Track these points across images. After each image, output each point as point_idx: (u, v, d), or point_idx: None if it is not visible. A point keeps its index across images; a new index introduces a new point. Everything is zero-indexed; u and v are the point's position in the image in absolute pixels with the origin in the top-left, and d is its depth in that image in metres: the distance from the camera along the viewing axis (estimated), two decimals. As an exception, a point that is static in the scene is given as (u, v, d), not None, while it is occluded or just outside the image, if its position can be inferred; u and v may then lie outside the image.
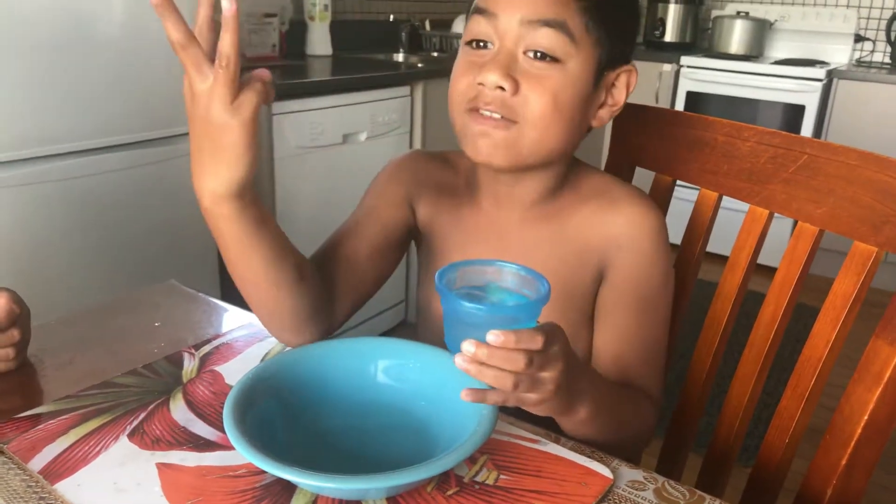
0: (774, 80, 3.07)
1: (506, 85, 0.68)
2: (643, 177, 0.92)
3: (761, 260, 0.88)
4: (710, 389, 0.91)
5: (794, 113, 3.06)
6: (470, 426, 0.59)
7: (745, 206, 0.85)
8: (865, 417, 0.70)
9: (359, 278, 0.80)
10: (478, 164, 0.75)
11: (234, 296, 0.97)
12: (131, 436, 0.64)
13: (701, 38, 3.66)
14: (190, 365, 0.77)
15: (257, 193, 0.66)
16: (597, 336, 0.79)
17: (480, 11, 0.71)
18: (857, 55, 3.43)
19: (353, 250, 0.80)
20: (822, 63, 3.21)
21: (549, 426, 0.68)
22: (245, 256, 0.68)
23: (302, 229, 2.14)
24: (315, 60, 2.57)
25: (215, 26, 0.61)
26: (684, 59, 3.25)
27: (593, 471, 0.62)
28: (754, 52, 3.36)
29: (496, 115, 0.70)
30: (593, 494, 0.59)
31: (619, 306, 0.77)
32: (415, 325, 0.93)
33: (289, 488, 0.58)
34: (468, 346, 0.53)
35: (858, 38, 3.39)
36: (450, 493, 0.59)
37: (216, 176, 0.62)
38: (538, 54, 0.69)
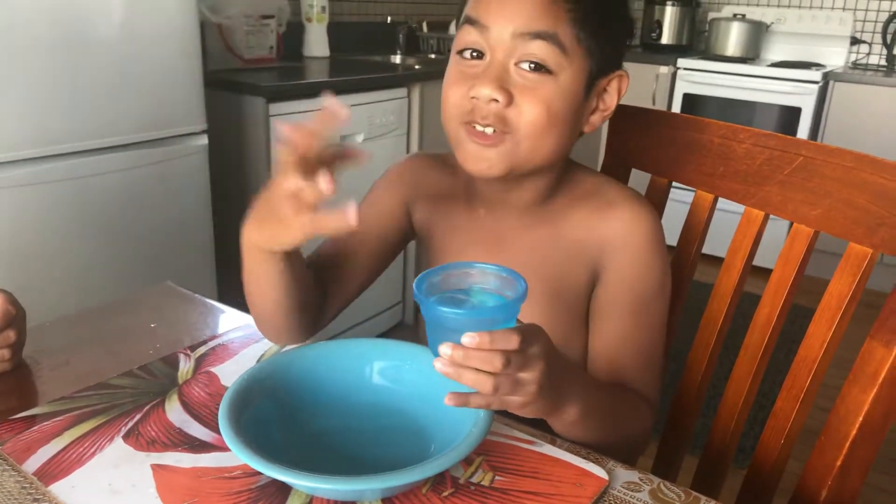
0: (771, 82, 3.08)
1: (499, 97, 0.68)
2: (639, 178, 0.93)
3: (757, 261, 0.88)
4: (706, 391, 0.91)
5: (790, 115, 3.06)
6: (465, 427, 0.59)
7: (740, 208, 0.85)
8: (860, 418, 0.70)
9: (350, 281, 0.82)
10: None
11: (230, 297, 0.97)
12: (126, 437, 0.64)
13: (697, 41, 3.67)
14: (186, 366, 0.76)
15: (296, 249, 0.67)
16: (592, 338, 0.79)
17: (471, 22, 0.71)
18: (853, 57, 3.44)
19: (347, 254, 0.82)
20: (819, 65, 3.22)
21: (544, 428, 0.68)
22: (262, 289, 0.73)
23: (299, 231, 2.13)
24: (312, 62, 2.57)
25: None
26: (681, 62, 3.25)
27: (589, 472, 0.62)
28: (751, 55, 3.37)
29: (490, 130, 0.70)
30: (589, 496, 0.59)
31: (613, 308, 0.77)
32: (412, 326, 0.94)
33: (284, 489, 0.58)
34: (445, 349, 0.53)
35: (854, 41, 3.40)
36: (445, 494, 0.59)
37: (260, 232, 0.66)
38: (531, 65, 0.69)
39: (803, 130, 3.04)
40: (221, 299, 0.94)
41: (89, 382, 0.73)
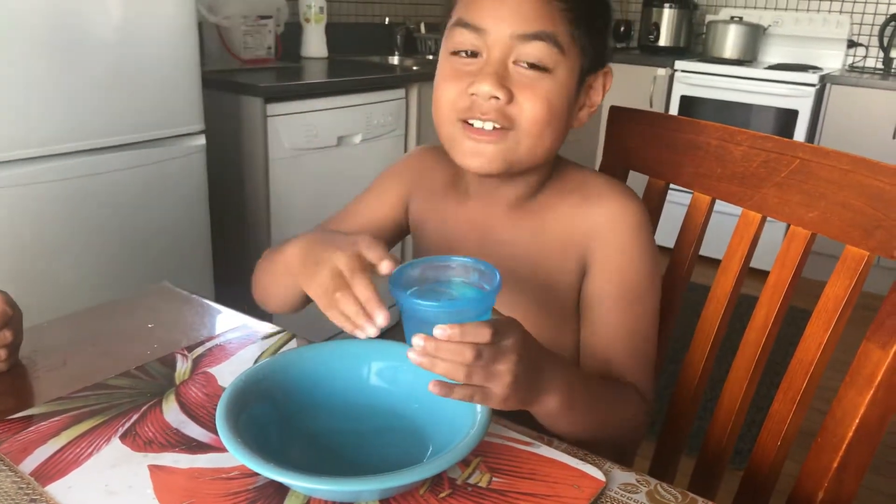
0: (768, 84, 3.08)
1: (500, 94, 0.69)
2: (637, 180, 0.93)
3: (754, 263, 0.89)
4: (703, 392, 0.91)
5: (787, 117, 3.07)
6: (463, 429, 0.59)
7: (737, 210, 0.85)
8: (857, 420, 0.71)
9: None
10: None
11: (227, 297, 0.97)
12: (123, 438, 0.64)
13: (695, 43, 3.68)
14: (183, 367, 0.76)
15: None
16: (582, 331, 0.79)
17: (466, 25, 0.70)
18: (849, 60, 3.45)
19: None
20: (816, 68, 3.23)
21: (541, 429, 0.69)
22: (275, 287, 0.77)
23: (296, 231, 2.12)
24: (310, 63, 2.57)
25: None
26: (678, 64, 3.26)
27: (586, 473, 0.62)
28: (748, 57, 3.38)
29: (489, 126, 0.70)
30: (586, 497, 0.59)
31: (602, 299, 0.77)
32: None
33: (281, 490, 0.58)
34: (417, 341, 0.55)
35: (851, 44, 3.41)
36: (443, 495, 0.59)
37: (298, 261, 0.68)
38: (529, 64, 0.69)
39: (800, 133, 3.04)
40: (219, 300, 0.94)
41: (86, 383, 0.72)
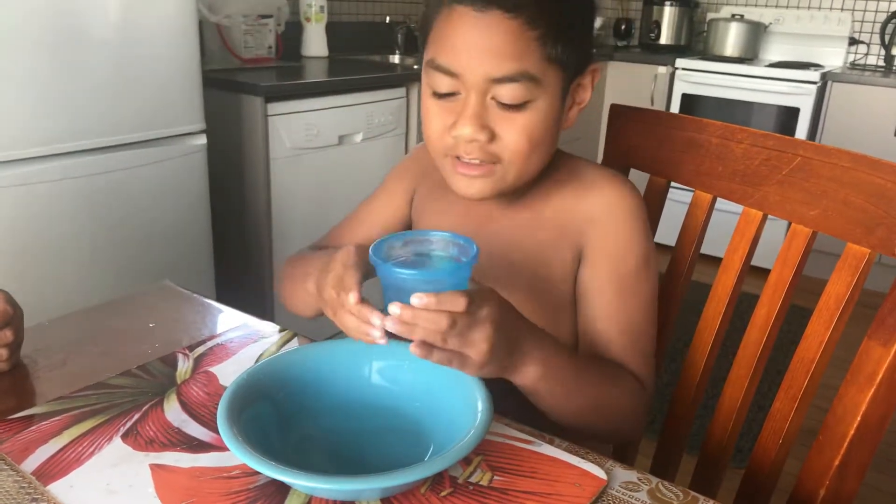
0: (769, 82, 3.08)
1: (481, 137, 0.70)
2: (638, 178, 0.92)
3: (755, 262, 0.88)
4: (704, 391, 0.91)
5: (788, 115, 3.06)
6: (464, 427, 0.59)
7: (738, 208, 0.85)
8: (858, 418, 0.71)
9: None
10: None
11: (228, 297, 0.97)
12: (125, 437, 0.64)
13: (696, 41, 3.67)
14: (184, 366, 0.76)
15: None
16: (578, 319, 0.79)
17: (439, 68, 0.70)
18: (851, 58, 3.44)
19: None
20: (817, 66, 3.22)
21: (543, 427, 0.69)
22: (298, 293, 0.80)
23: (297, 230, 2.13)
24: (311, 62, 2.57)
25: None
26: (679, 62, 3.26)
27: (587, 472, 0.62)
28: (749, 55, 3.37)
29: (476, 161, 0.72)
30: (587, 495, 0.59)
31: (597, 285, 0.78)
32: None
33: (283, 489, 0.58)
34: (394, 308, 0.57)
35: (852, 41, 3.40)
36: (444, 493, 0.59)
37: (315, 273, 0.70)
38: (506, 104, 0.69)
39: (801, 131, 3.04)
40: (220, 299, 0.94)
41: (87, 382, 0.73)
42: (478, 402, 0.62)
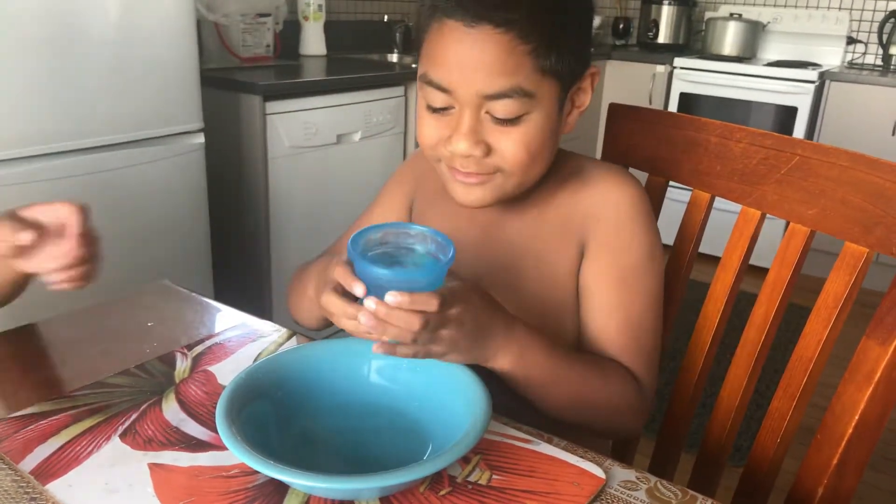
0: (767, 81, 3.08)
1: (476, 152, 0.69)
2: (636, 177, 0.93)
3: (753, 260, 0.89)
4: (703, 390, 0.91)
5: (786, 114, 3.07)
6: (463, 426, 0.59)
7: (737, 207, 0.85)
8: (856, 417, 0.71)
9: None
10: None
11: (226, 296, 0.97)
12: (123, 436, 0.64)
13: (694, 40, 3.67)
14: (182, 365, 0.76)
15: None
16: (580, 314, 0.79)
17: (432, 83, 0.69)
18: (848, 57, 3.44)
19: None
20: (815, 65, 3.23)
21: (541, 426, 0.69)
22: (304, 303, 0.80)
23: (296, 229, 2.13)
24: (309, 60, 2.57)
25: None
26: (677, 61, 3.26)
27: (586, 471, 0.62)
28: (747, 54, 3.37)
29: (473, 172, 0.72)
30: (586, 494, 0.59)
31: (598, 280, 0.77)
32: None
33: (281, 489, 0.58)
34: (370, 303, 0.58)
35: (850, 41, 3.40)
36: (443, 493, 0.59)
37: (314, 284, 0.72)
38: (500, 118, 0.69)
39: (799, 130, 3.04)
40: (218, 298, 0.94)
41: (86, 381, 0.72)
42: (476, 401, 0.62)
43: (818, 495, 0.74)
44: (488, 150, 0.70)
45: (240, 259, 2.14)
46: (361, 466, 0.63)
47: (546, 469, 0.62)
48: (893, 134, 2.90)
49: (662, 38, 3.55)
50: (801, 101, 3.02)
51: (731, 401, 0.86)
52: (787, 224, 0.82)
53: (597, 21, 3.58)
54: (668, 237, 0.85)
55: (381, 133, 2.36)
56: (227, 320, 0.87)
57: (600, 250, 0.77)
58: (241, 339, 0.82)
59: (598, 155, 1.01)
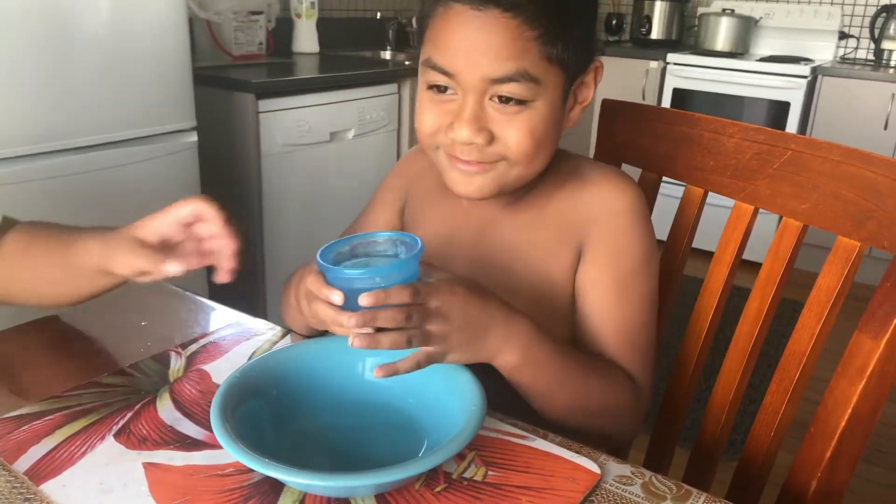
0: (760, 76, 3.09)
1: (479, 139, 0.68)
2: (630, 173, 0.93)
3: (746, 255, 0.89)
4: (697, 384, 0.91)
5: (779, 109, 3.08)
6: (458, 423, 0.59)
7: (730, 202, 0.86)
8: (849, 410, 0.71)
9: None
10: None
11: (221, 295, 0.97)
12: (117, 436, 0.64)
13: (687, 36, 3.68)
14: (177, 364, 0.76)
15: None
16: (577, 317, 0.78)
17: (435, 67, 0.69)
18: (841, 52, 3.46)
19: None
20: (807, 60, 3.24)
21: (537, 422, 0.69)
22: (294, 312, 0.75)
23: (289, 227, 2.13)
24: (302, 58, 2.56)
25: None
26: (670, 57, 3.26)
27: (581, 466, 0.62)
28: (740, 50, 3.38)
29: (474, 160, 0.70)
30: (581, 490, 0.59)
31: (595, 283, 0.77)
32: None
33: (276, 487, 0.58)
34: (350, 321, 0.58)
35: (842, 35, 3.41)
36: (438, 489, 0.59)
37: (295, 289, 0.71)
38: (506, 99, 0.68)
39: (792, 125, 3.05)
40: (212, 297, 0.94)
41: (80, 381, 0.72)
42: (471, 398, 0.62)
43: (812, 489, 0.74)
44: (491, 139, 0.69)
45: (234, 257, 2.13)
46: (356, 464, 0.63)
47: (541, 465, 0.62)
48: (885, 128, 2.91)
49: (655, 34, 3.55)
50: (794, 96, 3.03)
51: (725, 395, 0.87)
52: (780, 219, 0.82)
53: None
54: (662, 232, 0.85)
55: (375, 130, 2.35)
56: (222, 319, 0.87)
57: (598, 254, 0.76)
58: (236, 337, 0.82)
59: (592, 150, 1.01)
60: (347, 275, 0.60)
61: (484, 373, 0.66)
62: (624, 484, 0.61)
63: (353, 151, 2.28)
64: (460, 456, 0.62)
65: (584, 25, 0.71)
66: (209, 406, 0.60)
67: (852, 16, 3.42)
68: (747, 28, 3.41)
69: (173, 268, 0.66)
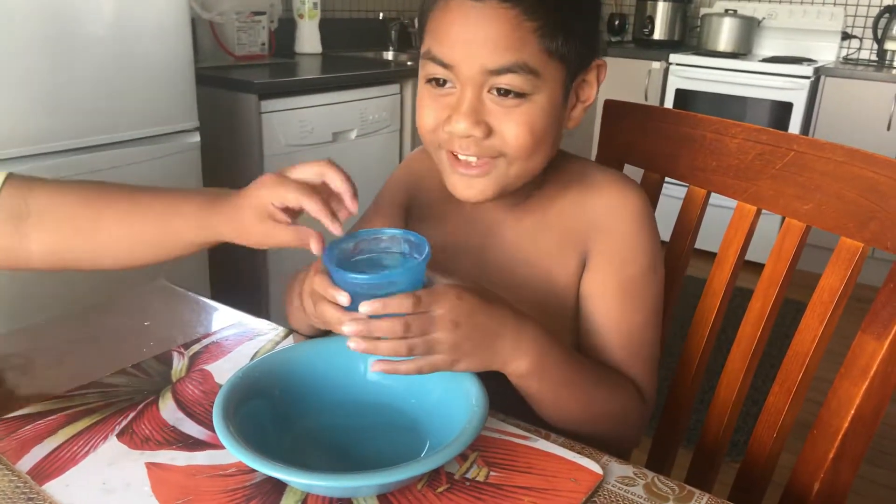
0: (762, 77, 3.08)
1: (477, 132, 0.67)
2: (632, 174, 0.92)
3: (749, 256, 0.89)
4: (699, 385, 0.91)
5: (781, 110, 3.07)
6: (460, 423, 0.59)
7: (732, 203, 0.86)
8: (852, 411, 0.71)
9: None
10: None
11: (223, 295, 0.97)
12: (120, 435, 0.64)
13: (689, 36, 3.67)
14: (179, 364, 0.76)
15: None
16: (581, 325, 0.78)
17: (435, 59, 0.68)
18: (843, 52, 3.45)
19: None
20: (810, 60, 3.23)
21: (539, 423, 0.69)
22: (297, 311, 0.75)
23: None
24: (304, 58, 2.56)
25: None
26: (673, 57, 3.26)
27: (583, 467, 0.62)
28: (742, 50, 3.37)
29: (474, 160, 0.70)
30: (583, 490, 0.59)
31: (599, 291, 0.76)
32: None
33: (279, 487, 0.58)
34: (348, 328, 0.58)
35: (845, 36, 3.41)
36: (440, 490, 0.59)
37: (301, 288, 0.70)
38: (504, 92, 0.67)
39: (795, 125, 3.05)
40: (215, 297, 0.94)
41: (83, 381, 0.72)
42: (473, 398, 0.62)
43: (815, 490, 0.74)
44: (489, 132, 0.68)
45: (236, 258, 2.14)
46: (359, 464, 0.63)
47: (543, 465, 0.62)
48: (888, 129, 2.91)
49: (658, 35, 3.55)
50: (797, 96, 3.03)
51: (728, 396, 0.86)
52: (783, 219, 0.82)
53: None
54: (664, 233, 0.85)
55: (377, 131, 2.35)
56: (224, 319, 0.87)
57: (602, 261, 0.76)
58: (238, 337, 0.82)
59: (594, 151, 1.01)
60: (353, 279, 0.59)
61: (485, 373, 0.66)
62: (626, 485, 0.61)
63: (356, 152, 2.28)
64: (462, 456, 0.62)
65: (585, 21, 0.71)
66: (212, 406, 0.61)
67: (855, 16, 3.41)
68: (750, 28, 3.41)
69: (315, 245, 0.65)
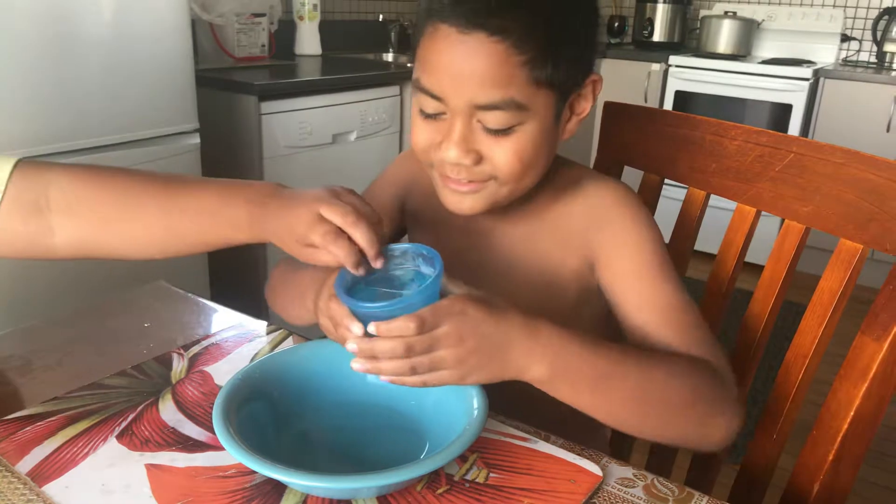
0: (762, 79, 3.09)
1: (467, 161, 0.67)
2: (632, 176, 0.93)
3: (749, 258, 0.89)
4: (699, 387, 0.91)
5: (781, 112, 3.07)
6: (460, 425, 0.59)
7: (732, 205, 0.86)
8: (852, 413, 0.71)
9: None
10: None
11: (223, 296, 0.97)
12: (120, 437, 0.64)
13: (689, 38, 3.68)
14: (179, 365, 0.76)
15: None
16: (619, 320, 0.75)
17: (424, 90, 0.68)
18: (843, 54, 3.45)
19: None
20: (809, 62, 3.23)
21: (538, 424, 0.69)
22: (290, 302, 0.76)
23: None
24: (304, 60, 2.57)
25: None
26: (672, 59, 3.26)
27: (583, 468, 0.62)
28: (742, 52, 3.38)
29: (465, 180, 0.70)
30: (583, 492, 0.59)
31: (626, 278, 0.74)
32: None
33: (279, 488, 0.58)
34: (351, 346, 0.58)
35: (845, 38, 3.41)
36: (440, 491, 0.59)
37: (309, 291, 0.70)
38: (492, 128, 0.67)
39: (794, 127, 3.05)
40: (214, 298, 0.94)
41: (83, 382, 0.72)
42: (473, 400, 0.62)
43: (814, 491, 0.74)
44: (479, 159, 0.68)
45: (236, 259, 2.14)
46: (359, 465, 0.63)
47: (543, 467, 0.62)
48: (888, 131, 2.91)
49: (657, 37, 3.55)
50: (796, 98, 3.03)
51: (728, 398, 0.86)
52: (783, 221, 0.82)
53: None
54: (664, 235, 0.85)
55: (377, 133, 2.36)
56: (224, 321, 0.87)
57: (617, 251, 0.75)
58: (238, 339, 0.82)
59: (594, 153, 1.01)
60: (367, 308, 0.58)
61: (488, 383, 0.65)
62: (626, 486, 0.61)
63: (356, 153, 2.29)
64: (462, 458, 0.62)
65: (579, 43, 0.69)
66: (211, 407, 0.61)
67: (854, 18, 3.42)
68: (749, 30, 3.41)
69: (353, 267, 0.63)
